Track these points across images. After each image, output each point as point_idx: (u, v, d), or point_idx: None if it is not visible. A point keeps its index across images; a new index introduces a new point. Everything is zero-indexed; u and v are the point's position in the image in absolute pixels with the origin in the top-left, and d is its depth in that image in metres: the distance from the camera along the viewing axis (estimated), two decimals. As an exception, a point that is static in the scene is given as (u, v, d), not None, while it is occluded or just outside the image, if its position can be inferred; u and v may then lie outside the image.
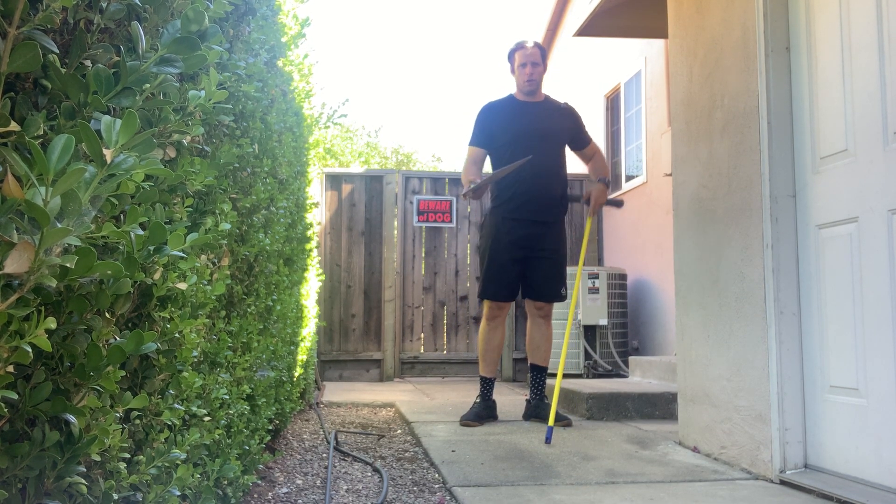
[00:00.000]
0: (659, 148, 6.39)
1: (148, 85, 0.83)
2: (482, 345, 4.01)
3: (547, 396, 4.03)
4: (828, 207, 2.56)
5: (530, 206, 3.86)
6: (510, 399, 5.33)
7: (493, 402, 4.03)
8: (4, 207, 0.60)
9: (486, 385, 4.01)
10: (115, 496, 0.94)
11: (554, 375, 6.47)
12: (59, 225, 0.63)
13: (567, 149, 4.11)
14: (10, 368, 0.67)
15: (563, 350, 3.78)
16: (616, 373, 6.17)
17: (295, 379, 3.70)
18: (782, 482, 2.58)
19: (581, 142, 4.18)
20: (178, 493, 1.15)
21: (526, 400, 4.13)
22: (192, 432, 1.25)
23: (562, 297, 3.94)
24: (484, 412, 3.93)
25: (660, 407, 4.16)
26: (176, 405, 1.17)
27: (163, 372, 1.12)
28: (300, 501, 2.40)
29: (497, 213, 3.95)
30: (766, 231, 2.72)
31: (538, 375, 4.06)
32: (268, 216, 2.32)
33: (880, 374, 2.31)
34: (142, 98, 0.83)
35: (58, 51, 0.74)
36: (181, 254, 0.95)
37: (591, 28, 5.54)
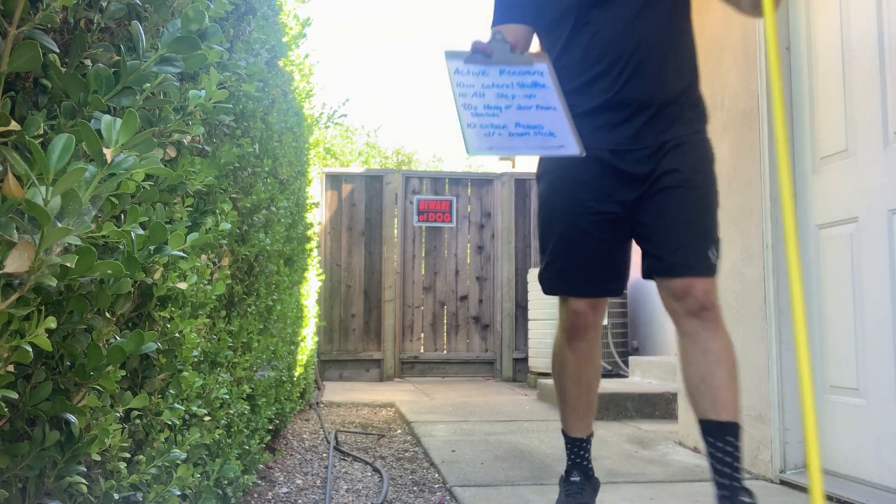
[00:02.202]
0: (659, 148, 6.38)
1: (148, 84, 0.83)
2: (557, 379, 2.14)
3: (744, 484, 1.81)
4: (828, 207, 2.56)
5: (625, 124, 1.93)
6: (510, 399, 5.34)
7: (592, 481, 2.15)
8: (5, 207, 0.60)
9: (575, 449, 2.14)
10: (116, 496, 0.94)
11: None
12: (59, 224, 0.63)
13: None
14: (11, 368, 0.67)
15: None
16: (616, 373, 6.17)
17: (295, 379, 3.70)
18: (782, 482, 2.58)
19: None
20: (179, 493, 1.14)
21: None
22: (193, 432, 1.25)
23: (713, 267, 1.89)
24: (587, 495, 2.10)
25: (660, 407, 4.16)
26: (176, 405, 1.17)
27: (163, 372, 1.12)
28: (300, 501, 2.40)
29: None
30: (765, 231, 2.72)
31: (721, 443, 1.83)
32: (268, 216, 2.32)
33: (880, 374, 2.31)
34: (142, 97, 0.83)
35: (58, 50, 0.74)
36: (181, 254, 0.95)
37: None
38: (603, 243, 1.98)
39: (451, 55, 1.73)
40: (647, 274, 1.96)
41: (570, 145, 1.69)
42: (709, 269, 1.88)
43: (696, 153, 1.95)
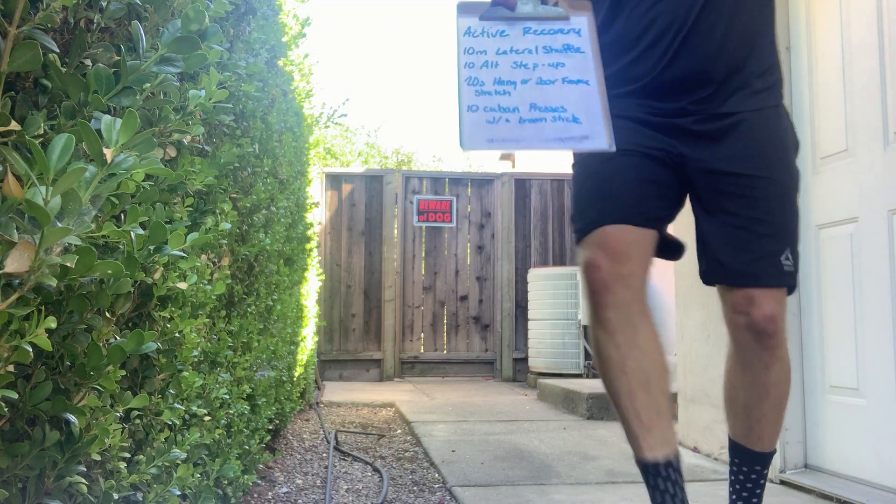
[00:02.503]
0: (659, 148, 6.37)
1: (148, 84, 0.83)
2: (603, 378, 1.60)
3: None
4: (828, 207, 2.56)
5: (682, 91, 1.55)
6: (510, 399, 5.34)
7: None
8: (5, 207, 0.60)
9: (654, 481, 1.49)
10: (116, 496, 0.94)
11: (558, 376, 6.43)
12: (59, 224, 0.63)
13: None
14: (11, 368, 0.67)
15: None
16: (616, 373, 6.17)
17: (295, 379, 3.70)
18: (782, 482, 2.58)
19: None
20: (178, 493, 1.15)
21: None
22: (193, 432, 1.25)
23: (786, 276, 1.55)
24: None
25: (660, 407, 4.16)
26: (176, 405, 1.17)
27: (163, 371, 1.12)
28: (300, 501, 2.40)
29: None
30: (766, 231, 2.72)
31: (747, 467, 1.67)
32: (268, 216, 2.32)
33: (880, 374, 2.31)
34: (142, 97, 0.83)
35: (58, 50, 0.74)
36: (181, 253, 0.95)
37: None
38: (635, 167, 1.54)
39: (464, 8, 1.36)
40: (706, 279, 1.66)
41: (598, 135, 1.30)
42: (780, 278, 1.55)
43: (767, 132, 1.58)
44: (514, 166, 11.24)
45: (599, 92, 1.33)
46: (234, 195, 1.78)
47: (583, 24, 1.38)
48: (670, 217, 1.63)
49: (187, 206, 1.16)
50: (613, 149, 1.31)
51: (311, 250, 4.28)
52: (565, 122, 1.31)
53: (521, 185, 7.32)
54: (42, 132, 0.71)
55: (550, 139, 1.31)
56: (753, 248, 1.54)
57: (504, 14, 1.37)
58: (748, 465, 1.67)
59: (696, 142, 1.55)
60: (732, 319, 1.60)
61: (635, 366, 1.51)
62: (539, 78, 1.34)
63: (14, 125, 0.67)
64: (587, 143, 1.30)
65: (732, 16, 1.55)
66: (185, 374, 1.22)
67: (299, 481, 2.67)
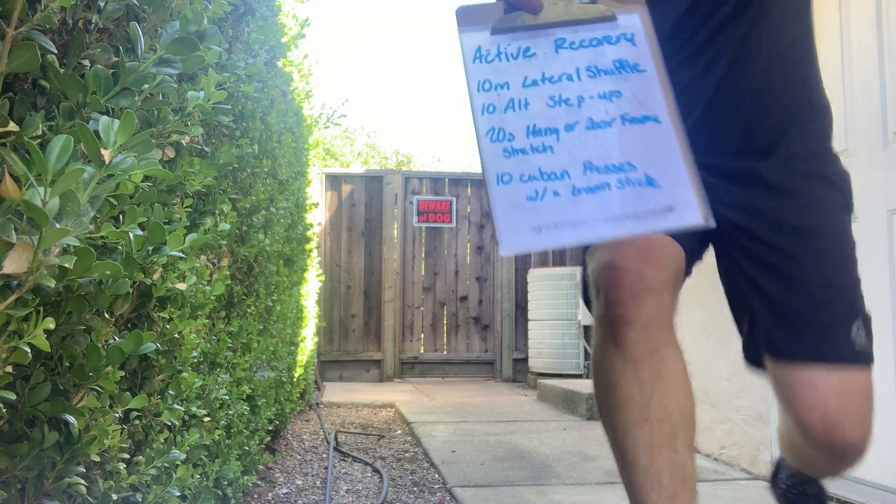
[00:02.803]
0: (659, 148, 6.37)
1: (147, 85, 0.83)
2: (605, 415, 1.36)
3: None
4: (827, 207, 2.56)
5: (722, 142, 1.27)
6: (510, 399, 5.34)
7: None
8: (3, 208, 0.60)
9: None
10: (115, 497, 0.94)
11: (558, 376, 6.43)
12: (57, 225, 0.63)
13: None
14: (9, 369, 0.67)
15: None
16: (616, 373, 6.16)
17: (295, 379, 3.70)
18: (782, 482, 2.58)
19: None
20: (178, 494, 1.14)
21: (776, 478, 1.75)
22: (192, 433, 1.25)
23: (857, 351, 1.34)
24: None
25: (660, 407, 4.16)
26: (175, 406, 1.17)
27: (162, 372, 1.12)
28: (300, 502, 2.40)
29: None
30: (765, 231, 2.72)
31: (805, 479, 1.71)
32: (268, 217, 2.32)
33: (880, 374, 2.31)
34: (140, 99, 0.83)
35: (56, 51, 0.74)
36: (180, 254, 0.95)
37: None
38: None
39: (466, 17, 0.97)
40: (751, 356, 1.39)
41: (686, 205, 0.89)
42: (854, 355, 1.24)
43: (817, 183, 1.28)
44: (513, 166, 11.22)
45: (675, 130, 0.92)
46: (234, 196, 1.78)
47: (635, 25, 0.96)
48: (693, 262, 1.32)
49: (186, 207, 1.16)
50: (712, 224, 0.89)
51: (310, 251, 4.28)
52: (637, 187, 0.90)
53: (521, 185, 7.31)
54: (40, 133, 0.71)
55: (620, 217, 0.89)
56: (818, 312, 1.25)
57: (525, 22, 0.96)
58: (802, 475, 1.63)
59: (748, 188, 1.27)
60: (800, 429, 1.28)
61: (660, 411, 1.20)
62: (589, 119, 0.93)
63: (12, 126, 0.67)
64: (673, 217, 0.89)
65: (761, 79, 1.22)
66: (185, 374, 1.22)
67: (299, 482, 2.67)
